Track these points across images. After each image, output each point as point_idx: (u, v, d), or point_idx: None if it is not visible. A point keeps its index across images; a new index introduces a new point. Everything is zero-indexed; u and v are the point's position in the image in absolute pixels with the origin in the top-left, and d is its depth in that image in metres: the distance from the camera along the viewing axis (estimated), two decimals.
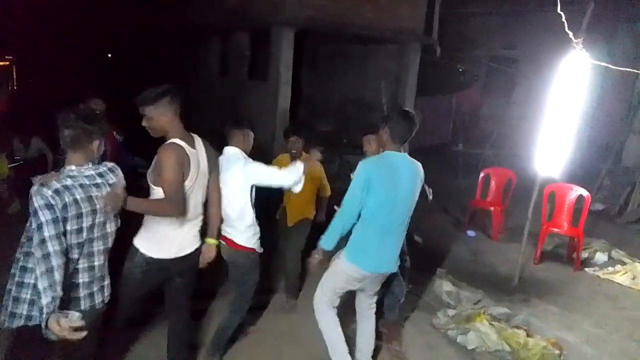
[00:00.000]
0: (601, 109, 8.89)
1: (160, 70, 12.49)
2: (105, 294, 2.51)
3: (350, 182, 2.97)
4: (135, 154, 5.29)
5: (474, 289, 4.79)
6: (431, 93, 11.52)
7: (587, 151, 7.91)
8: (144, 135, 2.82)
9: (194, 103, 10.49)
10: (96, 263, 2.40)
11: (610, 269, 5.70)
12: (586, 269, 5.71)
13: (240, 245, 3.24)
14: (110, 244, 2.48)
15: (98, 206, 2.31)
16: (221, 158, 3.14)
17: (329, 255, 3.10)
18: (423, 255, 5.61)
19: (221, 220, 3.12)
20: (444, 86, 12.38)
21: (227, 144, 3.27)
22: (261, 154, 3.53)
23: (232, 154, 3.21)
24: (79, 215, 2.23)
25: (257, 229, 3.30)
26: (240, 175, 3.12)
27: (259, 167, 3.18)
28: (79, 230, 2.25)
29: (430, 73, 11.12)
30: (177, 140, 2.67)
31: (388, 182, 2.88)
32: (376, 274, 3.06)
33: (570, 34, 3.94)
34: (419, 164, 3.06)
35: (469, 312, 4.25)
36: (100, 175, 2.38)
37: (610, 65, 4.26)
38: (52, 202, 2.14)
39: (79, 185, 2.25)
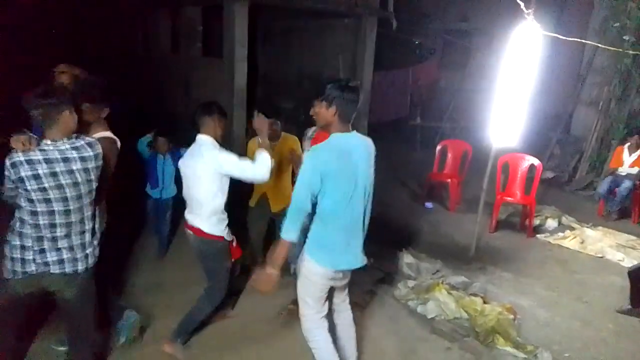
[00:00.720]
0: (551, 79, 9.13)
1: (105, 48, 11.95)
2: (84, 263, 2.60)
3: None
4: None
5: (433, 259, 4.89)
6: (389, 67, 11.52)
7: (538, 121, 8.13)
8: None
9: (146, 82, 10.12)
10: (72, 230, 2.52)
11: (560, 234, 5.95)
12: (538, 236, 5.94)
13: (208, 234, 3.17)
14: (89, 212, 2.58)
15: (66, 181, 2.42)
16: (193, 146, 3.12)
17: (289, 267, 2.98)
18: (383, 229, 5.68)
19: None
20: (401, 60, 12.41)
21: (182, 124, 3.17)
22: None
23: (204, 142, 3.12)
24: (42, 189, 2.38)
25: (225, 215, 3.22)
26: (213, 164, 3.05)
27: (232, 159, 3.06)
28: (47, 200, 2.41)
29: (387, 47, 11.11)
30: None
31: (345, 173, 2.56)
32: (347, 270, 2.82)
33: (522, 5, 3.97)
34: (370, 140, 2.77)
35: (429, 282, 4.35)
36: (76, 149, 2.47)
37: (559, 36, 4.34)
38: (6, 173, 2.36)
39: (44, 159, 2.38)
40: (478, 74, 11.04)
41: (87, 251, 2.62)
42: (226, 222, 3.25)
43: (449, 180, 6.82)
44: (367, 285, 4.42)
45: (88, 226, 2.61)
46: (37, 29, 13.27)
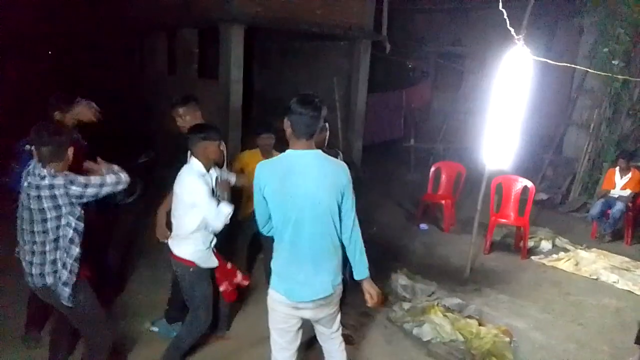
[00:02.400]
0: (542, 102, 9.25)
1: (104, 70, 12.02)
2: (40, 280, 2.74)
3: None
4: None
5: (428, 281, 4.87)
6: (382, 89, 11.65)
7: (530, 143, 8.22)
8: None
9: (142, 103, 10.17)
10: (34, 249, 2.72)
11: (555, 256, 5.96)
12: (532, 257, 5.94)
13: (178, 257, 3.12)
14: (40, 239, 2.69)
15: (32, 206, 2.65)
16: (185, 166, 3.12)
17: None
18: (378, 250, 5.67)
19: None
20: (394, 82, 12.55)
21: (178, 144, 3.17)
22: None
23: (191, 164, 3.12)
24: (22, 207, 2.71)
25: (200, 243, 3.13)
26: (186, 189, 3.05)
27: (200, 195, 3.01)
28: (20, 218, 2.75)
29: (380, 69, 11.26)
30: None
31: (288, 193, 2.35)
32: (308, 302, 2.47)
33: (512, 31, 4.06)
34: (337, 162, 2.52)
35: (424, 304, 4.33)
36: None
37: (549, 61, 4.42)
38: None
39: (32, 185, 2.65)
40: (470, 97, 11.18)
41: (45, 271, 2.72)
42: (202, 247, 3.14)
43: (443, 201, 6.84)
44: (362, 307, 4.38)
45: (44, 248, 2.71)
46: (34, 51, 13.35)
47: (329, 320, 2.65)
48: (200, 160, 3.10)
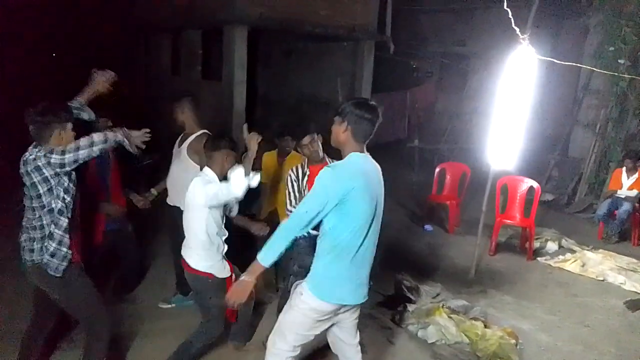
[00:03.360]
0: (548, 102, 9.21)
1: (109, 69, 12.03)
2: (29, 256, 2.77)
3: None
4: None
5: (433, 282, 4.85)
6: (386, 90, 11.63)
7: (536, 143, 8.17)
8: None
9: (146, 104, 10.19)
10: (28, 225, 2.77)
11: (561, 257, 5.91)
12: (538, 258, 5.90)
13: (194, 269, 3.09)
14: (31, 215, 2.75)
15: (26, 184, 2.69)
16: (198, 178, 3.09)
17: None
18: (382, 251, 5.65)
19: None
20: (398, 83, 12.54)
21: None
22: None
23: (203, 175, 3.10)
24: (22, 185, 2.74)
25: (214, 251, 3.11)
26: (198, 195, 3.02)
27: (209, 191, 2.99)
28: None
29: (385, 70, 11.24)
30: None
31: (368, 196, 2.35)
32: (352, 305, 2.51)
33: (517, 30, 4.03)
34: (377, 164, 2.57)
35: (429, 306, 4.29)
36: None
37: (555, 60, 4.38)
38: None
39: (23, 160, 2.68)
40: (475, 97, 11.15)
41: (34, 246, 2.74)
42: (217, 257, 3.13)
43: (448, 202, 6.81)
44: (366, 308, 4.36)
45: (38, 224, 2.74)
46: (38, 51, 13.43)
47: (353, 326, 2.64)
48: (214, 169, 3.09)
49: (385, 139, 11.36)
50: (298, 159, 4.19)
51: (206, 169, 3.13)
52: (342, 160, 2.42)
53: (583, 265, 5.66)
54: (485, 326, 4.01)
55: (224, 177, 3.12)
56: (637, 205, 6.58)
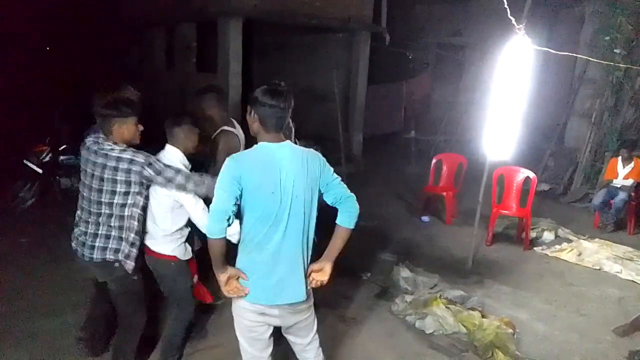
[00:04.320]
0: (544, 92, 9.20)
1: (102, 65, 11.98)
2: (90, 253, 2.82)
3: None
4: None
5: (430, 273, 4.86)
6: (382, 81, 11.59)
7: (532, 133, 8.18)
8: None
9: (141, 98, 10.13)
10: (89, 219, 2.83)
11: (557, 247, 5.94)
12: (535, 248, 5.92)
13: (158, 253, 3.04)
14: (108, 211, 2.79)
15: (94, 172, 2.76)
16: (159, 156, 2.98)
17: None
18: (379, 242, 5.67)
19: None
20: (394, 74, 12.49)
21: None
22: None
23: (169, 154, 3.02)
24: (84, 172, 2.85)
25: (180, 235, 3.06)
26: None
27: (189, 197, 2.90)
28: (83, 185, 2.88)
29: (380, 61, 11.19)
30: None
31: (268, 189, 2.19)
32: (279, 305, 2.29)
33: (513, 20, 4.01)
34: (312, 152, 2.36)
35: (426, 296, 4.31)
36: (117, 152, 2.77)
37: (551, 50, 4.37)
38: None
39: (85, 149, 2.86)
40: (471, 87, 11.13)
41: (97, 244, 2.81)
42: (181, 240, 3.09)
43: (445, 193, 6.82)
44: (364, 300, 4.39)
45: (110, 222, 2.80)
46: (33, 46, 13.33)
47: (302, 329, 2.45)
48: (178, 147, 3.03)
49: (381, 131, 11.36)
50: None
51: (168, 147, 3.03)
52: (246, 150, 2.32)
53: (579, 255, 5.69)
54: (483, 316, 4.04)
55: (189, 157, 3.08)
56: (632, 194, 6.61)
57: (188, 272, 3.19)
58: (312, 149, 2.39)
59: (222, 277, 2.22)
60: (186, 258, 3.14)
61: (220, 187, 2.18)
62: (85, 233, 2.84)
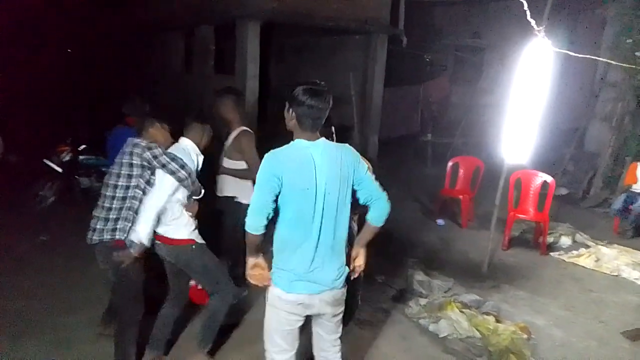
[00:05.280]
0: (564, 95, 9.08)
1: (122, 67, 12.16)
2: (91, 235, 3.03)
3: None
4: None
5: (445, 277, 4.83)
6: (399, 83, 11.57)
7: (551, 137, 8.07)
8: None
9: (159, 100, 10.26)
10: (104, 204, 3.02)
11: (575, 252, 5.85)
12: (552, 253, 5.84)
13: (178, 240, 3.09)
14: (113, 193, 2.99)
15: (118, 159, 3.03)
16: (175, 145, 3.17)
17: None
18: (394, 245, 5.65)
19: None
20: (411, 76, 12.45)
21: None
22: None
23: (184, 145, 3.18)
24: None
25: (188, 219, 3.13)
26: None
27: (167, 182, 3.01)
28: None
29: (397, 63, 11.17)
30: None
31: (304, 185, 2.25)
32: (319, 293, 2.38)
33: (533, 22, 3.97)
34: (346, 147, 2.44)
35: (441, 300, 4.29)
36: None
37: (571, 53, 4.32)
38: None
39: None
40: (489, 90, 11.03)
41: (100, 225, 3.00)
42: (193, 224, 3.16)
43: (461, 196, 6.77)
44: (378, 302, 4.38)
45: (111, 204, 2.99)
46: (54, 48, 13.61)
47: (334, 322, 2.53)
48: (193, 140, 3.23)
49: (398, 133, 11.33)
50: None
51: (182, 138, 3.21)
52: (283, 147, 2.34)
53: (597, 260, 5.60)
54: (497, 321, 4.00)
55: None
56: None
57: (210, 252, 3.24)
58: (347, 144, 2.45)
59: (251, 261, 2.38)
60: (201, 241, 3.19)
61: (259, 184, 2.25)
62: (97, 218, 3.03)
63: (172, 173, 2.95)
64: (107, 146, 4.63)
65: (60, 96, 11.71)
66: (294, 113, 2.30)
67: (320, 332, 2.58)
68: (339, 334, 2.61)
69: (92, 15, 12.70)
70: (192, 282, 3.37)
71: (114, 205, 2.99)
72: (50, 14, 13.23)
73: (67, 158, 6.38)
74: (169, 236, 3.09)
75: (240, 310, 3.97)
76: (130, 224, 3.00)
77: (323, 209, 2.30)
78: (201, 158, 3.24)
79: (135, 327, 3.14)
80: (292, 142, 2.34)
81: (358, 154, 2.46)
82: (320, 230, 2.32)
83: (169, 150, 3.13)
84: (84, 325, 3.72)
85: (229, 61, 9.35)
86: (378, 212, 2.48)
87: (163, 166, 2.95)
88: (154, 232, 3.03)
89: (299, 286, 2.35)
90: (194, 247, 3.14)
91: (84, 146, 6.59)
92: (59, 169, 6.31)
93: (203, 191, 3.24)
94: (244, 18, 8.17)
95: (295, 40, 12.09)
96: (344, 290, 2.51)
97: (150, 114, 3.77)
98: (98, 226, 3.00)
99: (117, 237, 2.99)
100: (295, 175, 2.25)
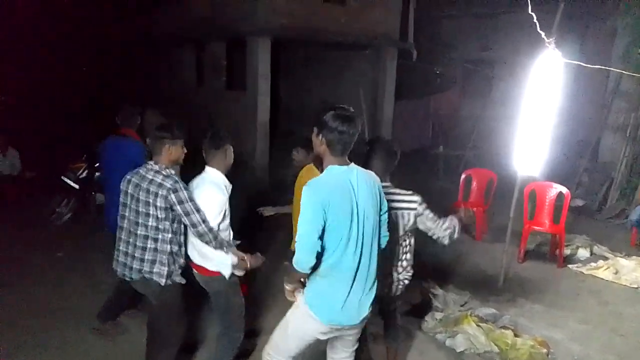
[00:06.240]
0: (576, 106, 9.04)
1: (133, 81, 12.33)
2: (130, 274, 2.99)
3: None
4: None
5: (461, 290, 4.79)
6: (409, 97, 11.59)
7: (565, 148, 8.02)
8: None
9: (170, 115, 10.39)
10: (129, 240, 2.97)
11: (593, 264, 5.76)
12: (569, 266, 5.76)
13: (209, 271, 3.05)
14: (143, 233, 2.92)
15: (136, 195, 2.91)
16: (201, 176, 3.07)
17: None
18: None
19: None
20: (422, 89, 12.48)
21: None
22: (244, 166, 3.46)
23: (209, 174, 3.07)
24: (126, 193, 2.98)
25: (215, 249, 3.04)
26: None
27: (200, 204, 2.92)
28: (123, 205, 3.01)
29: (407, 77, 11.21)
30: None
31: (344, 211, 2.22)
32: (345, 325, 2.42)
33: (543, 34, 3.98)
34: (372, 174, 2.44)
35: (457, 314, 4.24)
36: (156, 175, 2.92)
37: (582, 64, 4.31)
38: None
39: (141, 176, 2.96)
40: (500, 102, 11.01)
41: (137, 265, 2.95)
42: (224, 256, 3.02)
43: (475, 209, 6.71)
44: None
45: (145, 244, 2.93)
46: (69, 64, 13.87)
47: (354, 335, 2.56)
48: (219, 168, 3.08)
49: (409, 147, 11.32)
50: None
51: (208, 169, 3.07)
52: (321, 175, 2.34)
53: (616, 273, 5.51)
54: (516, 335, 3.94)
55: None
56: None
57: (239, 290, 3.19)
58: (373, 173, 2.45)
59: (290, 288, 2.48)
60: (238, 274, 3.12)
61: (305, 220, 2.21)
62: (126, 254, 2.98)
63: (194, 226, 2.86)
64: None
65: (75, 112, 11.91)
66: (324, 139, 2.27)
67: (337, 345, 2.60)
68: (355, 347, 2.62)
69: (105, 29, 12.93)
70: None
71: (148, 246, 2.93)
72: (66, 28, 13.53)
73: (84, 175, 6.46)
74: (202, 265, 3.07)
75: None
76: (167, 268, 2.94)
77: (363, 234, 2.30)
78: (230, 187, 3.13)
79: (175, 348, 3.16)
80: (328, 169, 2.30)
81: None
82: (361, 257, 2.32)
83: (195, 182, 3.04)
84: (94, 337, 3.77)
85: (240, 77, 9.46)
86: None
87: (186, 215, 2.84)
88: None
89: (336, 318, 2.37)
90: (224, 279, 3.07)
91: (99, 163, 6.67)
92: (76, 186, 6.38)
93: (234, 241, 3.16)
94: (254, 34, 8.27)
95: (304, 55, 12.20)
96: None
97: (144, 125, 3.84)
98: (135, 265, 2.94)
99: (155, 279, 2.94)
100: (339, 202, 2.21)
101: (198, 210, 2.86)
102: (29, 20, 13.27)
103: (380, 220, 2.43)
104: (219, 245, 2.94)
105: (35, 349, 3.65)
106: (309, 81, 12.26)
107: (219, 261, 2.99)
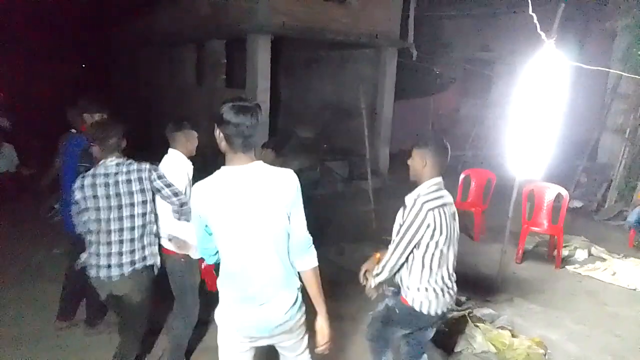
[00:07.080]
0: (575, 107, 9.03)
1: (133, 79, 12.32)
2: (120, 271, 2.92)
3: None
4: None
5: (458, 291, 4.77)
6: (409, 96, 11.59)
7: (563, 149, 8.00)
8: None
9: (170, 113, 10.37)
10: (111, 239, 2.89)
11: (591, 265, 5.77)
12: (567, 267, 5.77)
13: (166, 249, 3.17)
14: (130, 225, 2.90)
15: (112, 192, 2.86)
16: (166, 159, 3.22)
17: None
18: None
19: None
20: (421, 89, 12.48)
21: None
22: None
23: (175, 159, 3.23)
24: (94, 197, 2.88)
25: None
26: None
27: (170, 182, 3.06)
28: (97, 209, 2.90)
29: (407, 76, 11.21)
30: None
31: (227, 217, 2.07)
32: (254, 337, 2.21)
33: (543, 35, 3.98)
34: (283, 172, 2.16)
35: (454, 314, 4.24)
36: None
37: (582, 65, 4.31)
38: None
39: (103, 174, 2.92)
40: (500, 102, 11.00)
41: (127, 259, 2.93)
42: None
43: (473, 209, 6.73)
44: None
45: (133, 235, 2.94)
46: (68, 61, 13.86)
47: (293, 345, 2.33)
48: (180, 150, 3.25)
49: (408, 146, 11.31)
50: None
51: (171, 151, 3.25)
52: (209, 177, 2.15)
53: (613, 274, 5.52)
54: (513, 335, 3.95)
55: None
56: None
57: (197, 271, 3.25)
58: (290, 170, 2.19)
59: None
60: (196, 257, 3.15)
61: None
62: (109, 255, 2.89)
63: (175, 195, 3.01)
64: (60, 155, 4.18)
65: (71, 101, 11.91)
66: (221, 134, 2.09)
67: (283, 353, 2.42)
68: (302, 351, 2.41)
69: (104, 27, 12.94)
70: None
71: (135, 235, 2.94)
72: (65, 27, 13.53)
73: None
74: (165, 246, 3.18)
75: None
76: (156, 247, 3.05)
77: (257, 238, 2.10)
78: (191, 170, 3.28)
79: (143, 329, 3.24)
80: (218, 170, 2.13)
81: (299, 186, 2.17)
82: (255, 262, 2.12)
83: (163, 163, 3.18)
84: (91, 334, 3.79)
85: (240, 75, 9.45)
86: (310, 256, 2.23)
87: (168, 186, 2.99)
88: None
89: (247, 327, 2.24)
90: (182, 260, 3.19)
91: None
92: None
93: None
94: (254, 32, 8.26)
95: (305, 54, 12.18)
96: (297, 321, 2.30)
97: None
98: (125, 260, 2.90)
99: (149, 263, 3.01)
100: (222, 208, 2.07)
101: (169, 185, 3.01)
102: (28, 18, 13.27)
103: (290, 224, 2.16)
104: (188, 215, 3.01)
105: (29, 344, 3.65)
106: (309, 80, 12.25)
107: (188, 237, 3.09)
